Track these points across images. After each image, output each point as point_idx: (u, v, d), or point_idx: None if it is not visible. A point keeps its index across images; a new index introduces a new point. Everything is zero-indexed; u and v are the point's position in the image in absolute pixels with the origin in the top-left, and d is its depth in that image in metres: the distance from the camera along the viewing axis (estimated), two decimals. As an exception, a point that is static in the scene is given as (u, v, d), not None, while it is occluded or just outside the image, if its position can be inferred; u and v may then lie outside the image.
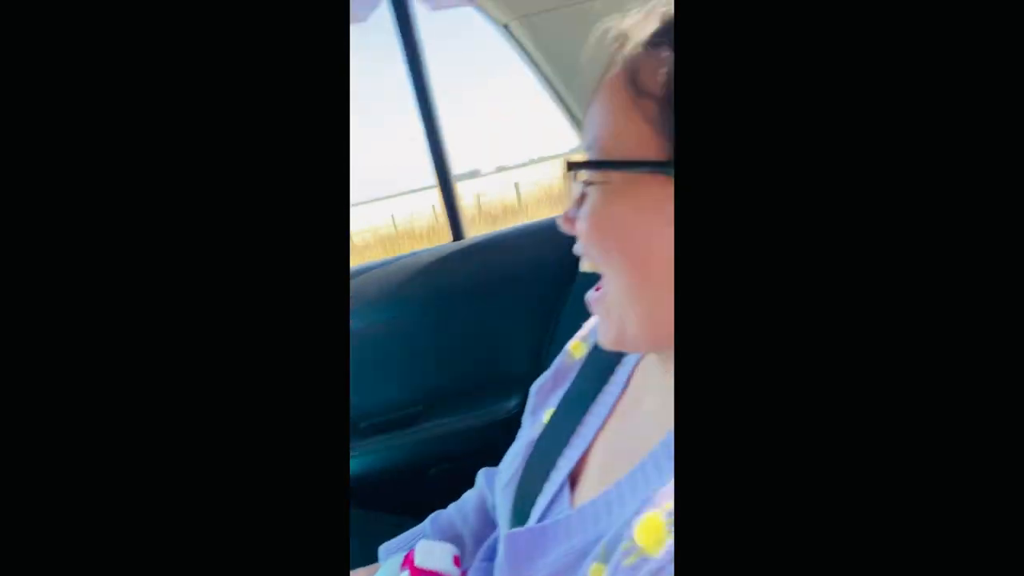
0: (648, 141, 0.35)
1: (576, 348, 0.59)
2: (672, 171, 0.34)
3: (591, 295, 0.43)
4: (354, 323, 1.04)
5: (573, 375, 0.57)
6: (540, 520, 0.46)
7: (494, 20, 0.91)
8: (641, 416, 0.47)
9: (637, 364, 0.52)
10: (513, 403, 1.06)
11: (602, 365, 0.54)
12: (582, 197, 0.40)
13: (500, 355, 1.09)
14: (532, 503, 0.49)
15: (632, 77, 0.36)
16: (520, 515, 0.49)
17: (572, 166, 0.39)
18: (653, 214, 0.36)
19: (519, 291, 1.06)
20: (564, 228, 0.42)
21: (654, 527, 0.32)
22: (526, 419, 0.61)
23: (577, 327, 0.62)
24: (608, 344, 0.41)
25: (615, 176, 0.37)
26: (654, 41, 0.36)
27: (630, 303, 0.39)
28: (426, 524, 0.66)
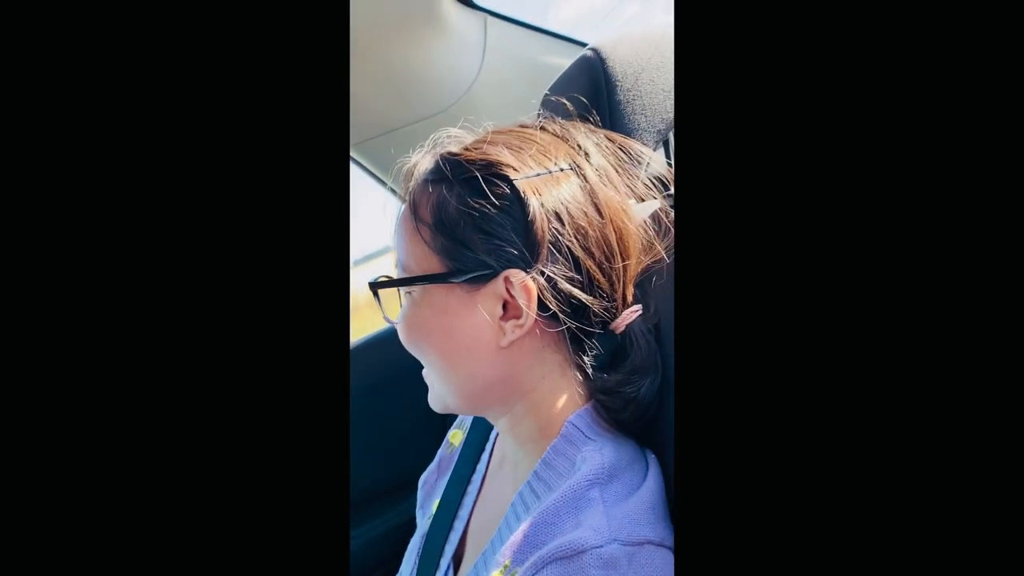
0: (429, 258, 0.44)
1: (454, 437, 0.65)
2: (450, 281, 0.43)
3: (425, 372, 0.51)
4: None
5: (454, 462, 0.61)
6: None
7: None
8: (498, 485, 0.52)
9: (495, 439, 0.58)
10: (423, 499, 1.07)
11: (475, 447, 0.60)
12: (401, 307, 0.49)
13: (402, 453, 1.10)
14: None
15: (413, 208, 0.45)
16: None
17: (372, 286, 0.48)
18: (445, 314, 0.45)
19: (412, 387, 1.10)
20: None
21: None
22: (418, 514, 0.64)
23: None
24: (437, 409, 0.50)
25: (414, 289, 0.46)
26: (428, 178, 0.45)
27: (443, 380, 0.47)
28: None
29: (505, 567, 0.38)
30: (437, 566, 0.53)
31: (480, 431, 0.61)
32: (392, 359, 1.12)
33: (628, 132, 0.53)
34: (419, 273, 0.45)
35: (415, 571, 0.56)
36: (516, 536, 0.38)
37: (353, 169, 1.04)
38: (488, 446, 0.59)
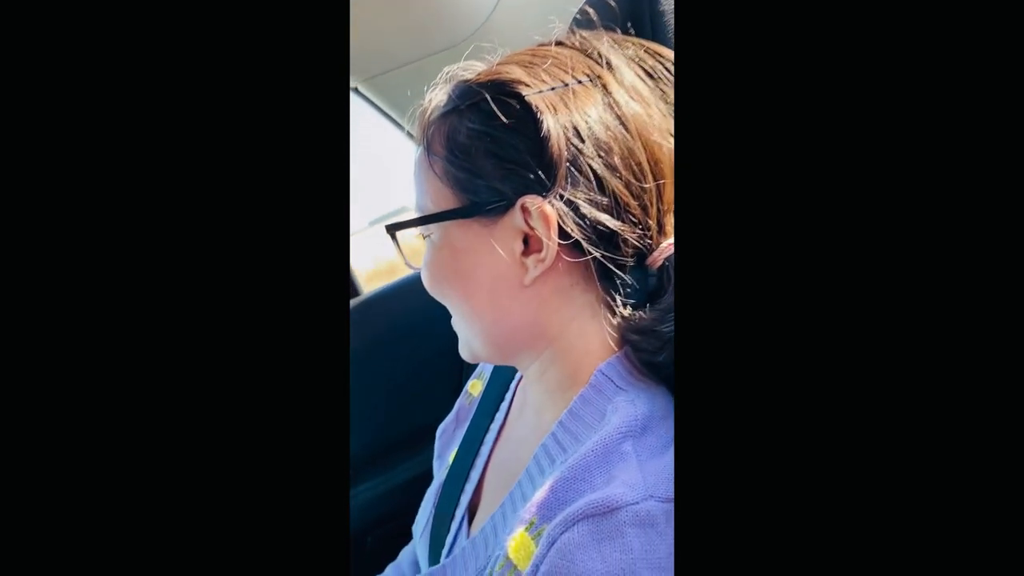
0: (443, 195, 0.41)
1: (474, 387, 0.62)
2: (464, 215, 0.40)
3: (453, 320, 0.48)
4: None
5: (473, 412, 0.59)
6: (445, 558, 0.48)
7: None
8: (518, 434, 0.49)
9: (516, 385, 0.55)
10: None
11: (495, 396, 0.57)
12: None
13: (420, 404, 1.09)
14: (443, 544, 0.50)
15: (428, 144, 0.42)
16: (435, 559, 0.50)
17: (390, 229, 0.45)
18: (464, 254, 0.42)
19: (427, 338, 1.07)
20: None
21: (523, 543, 0.34)
22: (435, 464, 0.62)
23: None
24: (466, 358, 0.47)
25: (433, 228, 0.43)
26: (441, 111, 0.42)
27: (469, 327, 0.45)
28: None
29: (531, 523, 0.35)
30: (452, 516, 0.51)
31: (500, 380, 0.58)
32: (411, 308, 1.10)
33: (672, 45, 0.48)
34: (435, 212, 0.42)
35: (430, 521, 0.54)
36: (543, 491, 0.35)
37: (363, 109, 0.99)
38: (508, 395, 0.56)
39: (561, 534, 0.32)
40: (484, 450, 0.53)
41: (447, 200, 0.41)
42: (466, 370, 1.07)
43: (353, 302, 1.10)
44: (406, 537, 0.69)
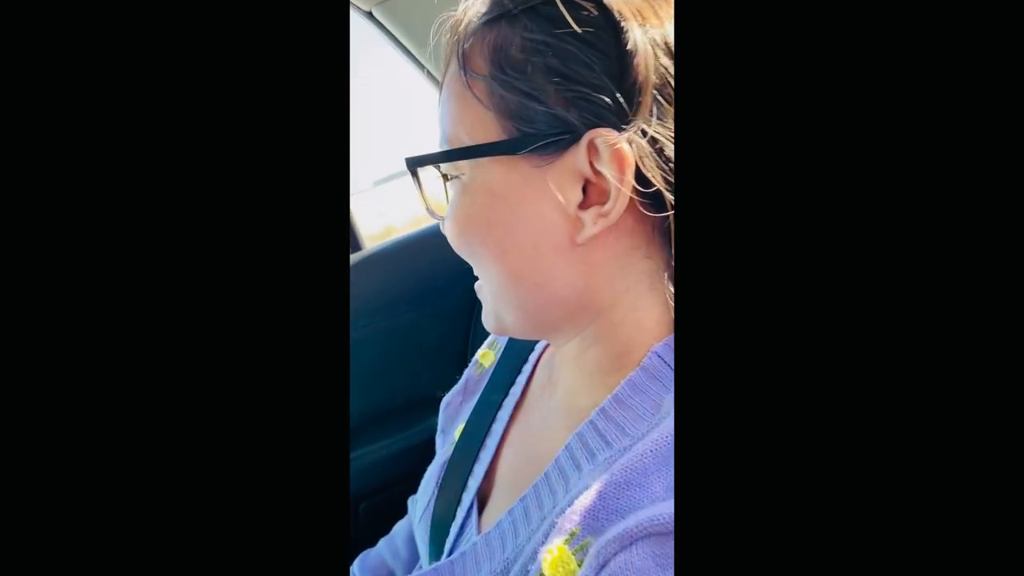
0: (484, 124, 0.33)
1: (484, 357, 0.55)
2: (510, 151, 0.32)
3: (479, 284, 0.40)
4: None
5: (483, 386, 0.52)
6: (450, 552, 0.41)
7: (357, 8, 0.85)
8: (542, 416, 0.42)
9: (538, 358, 0.47)
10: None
11: (510, 368, 0.49)
12: (447, 198, 0.38)
13: (421, 370, 1.02)
14: (447, 532, 0.43)
15: (463, 63, 0.33)
16: (436, 547, 0.45)
17: (411, 164, 0.36)
18: (504, 201, 0.33)
19: (431, 299, 1.00)
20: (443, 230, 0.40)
21: (563, 559, 0.27)
22: (439, 439, 0.55)
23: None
24: (492, 330, 0.39)
25: (465, 167, 0.34)
26: (481, 22, 0.33)
27: (501, 293, 0.36)
28: (354, 567, 0.60)
29: (572, 535, 0.27)
30: (459, 501, 0.44)
31: (516, 353, 0.51)
32: (416, 266, 1.02)
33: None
34: (471, 145, 0.33)
35: (432, 502, 0.47)
36: (588, 496, 0.28)
37: (373, 36, 0.89)
38: (526, 368, 0.48)
39: (615, 554, 0.25)
40: (496, 429, 0.46)
41: (488, 130, 0.33)
42: (474, 336, 1.00)
43: (353, 257, 1.02)
44: (401, 508, 0.64)
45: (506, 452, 0.44)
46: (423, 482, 0.52)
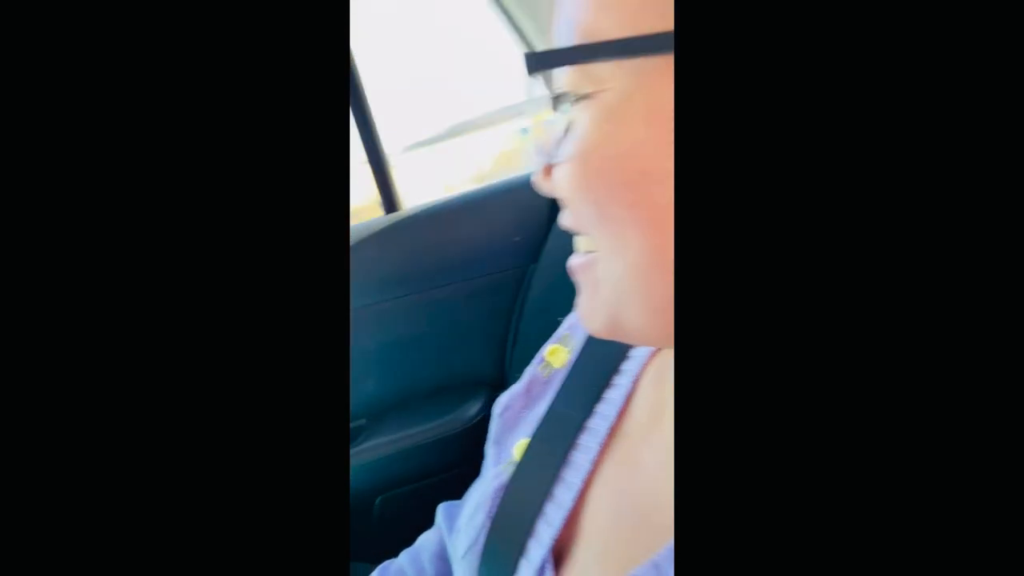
0: (645, 8, 0.22)
1: (554, 354, 0.43)
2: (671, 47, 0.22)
3: (575, 260, 0.29)
4: None
5: (552, 392, 0.40)
6: None
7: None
8: (654, 455, 0.31)
9: (643, 369, 0.35)
10: (474, 410, 0.89)
11: (595, 376, 0.37)
12: (566, 131, 0.26)
13: (454, 353, 0.91)
14: None
15: None
16: None
17: (532, 60, 0.24)
18: (665, 130, 0.22)
19: (471, 272, 0.88)
20: (539, 184, 0.29)
21: None
22: (489, 451, 0.44)
23: (545, 315, 0.46)
24: (596, 331, 0.28)
25: (614, 77, 0.23)
26: None
27: (635, 277, 0.25)
28: None
29: None
30: (523, 550, 0.33)
31: (602, 357, 0.39)
32: (458, 234, 0.90)
33: None
34: (629, 37, 0.22)
35: (482, 540, 0.36)
36: None
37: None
38: (620, 380, 0.36)
39: None
40: (579, 460, 0.34)
41: (646, 18, 0.22)
42: (520, 318, 0.88)
43: (387, 219, 0.91)
44: (422, 506, 0.56)
45: (597, 497, 0.32)
46: (467, 507, 0.41)
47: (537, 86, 0.27)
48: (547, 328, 0.45)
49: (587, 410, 0.36)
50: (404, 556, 0.53)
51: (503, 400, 0.44)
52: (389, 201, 0.95)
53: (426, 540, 0.53)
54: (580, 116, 0.25)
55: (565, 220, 0.28)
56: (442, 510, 0.51)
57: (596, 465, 0.33)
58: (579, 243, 0.28)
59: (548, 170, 0.28)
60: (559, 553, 0.32)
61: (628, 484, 0.31)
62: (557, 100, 0.25)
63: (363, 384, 0.89)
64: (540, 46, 0.85)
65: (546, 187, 0.28)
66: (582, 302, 0.28)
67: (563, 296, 0.35)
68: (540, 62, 0.24)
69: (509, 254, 0.86)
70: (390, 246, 0.89)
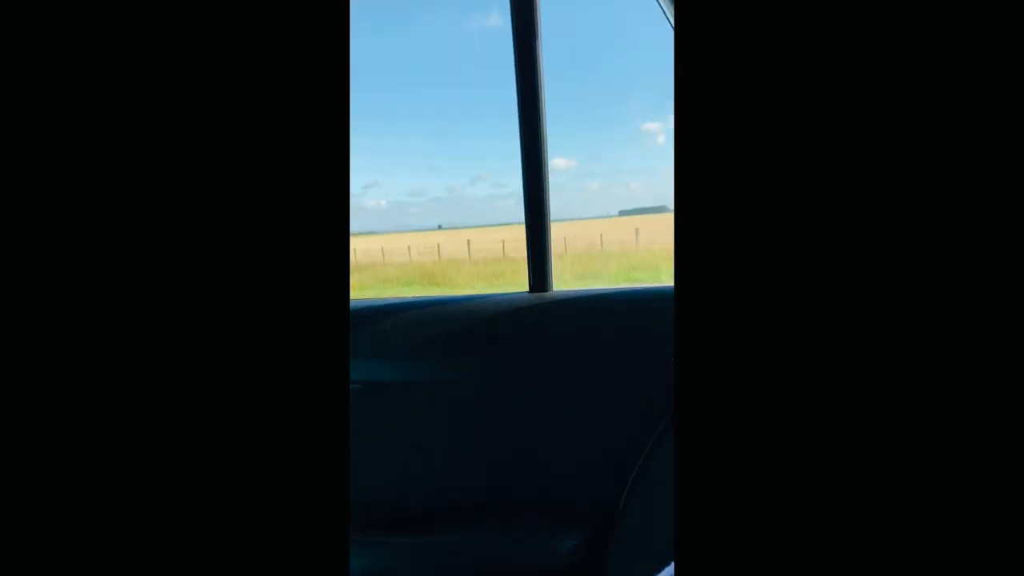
0: None
1: None
2: None
3: None
4: (353, 375, 0.75)
5: None
6: None
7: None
8: None
9: None
10: (569, 544, 0.68)
11: None
12: None
13: (563, 466, 0.73)
14: None
15: None
16: None
17: None
18: None
19: (613, 376, 0.71)
20: None
21: None
22: None
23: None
24: None
25: None
26: None
27: None
28: None
29: None
30: None
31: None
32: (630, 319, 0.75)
33: None
34: None
35: None
36: None
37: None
38: None
39: None
40: None
41: None
42: (651, 445, 0.68)
43: (536, 296, 0.79)
44: None
45: None
46: None
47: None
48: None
49: None
50: None
51: None
52: (539, 271, 0.84)
53: None
54: None
55: None
56: None
57: None
58: None
59: None
60: None
61: None
62: None
63: (442, 466, 0.74)
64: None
65: None
66: None
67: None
68: None
69: (659, 365, 0.68)
70: (527, 325, 0.76)
